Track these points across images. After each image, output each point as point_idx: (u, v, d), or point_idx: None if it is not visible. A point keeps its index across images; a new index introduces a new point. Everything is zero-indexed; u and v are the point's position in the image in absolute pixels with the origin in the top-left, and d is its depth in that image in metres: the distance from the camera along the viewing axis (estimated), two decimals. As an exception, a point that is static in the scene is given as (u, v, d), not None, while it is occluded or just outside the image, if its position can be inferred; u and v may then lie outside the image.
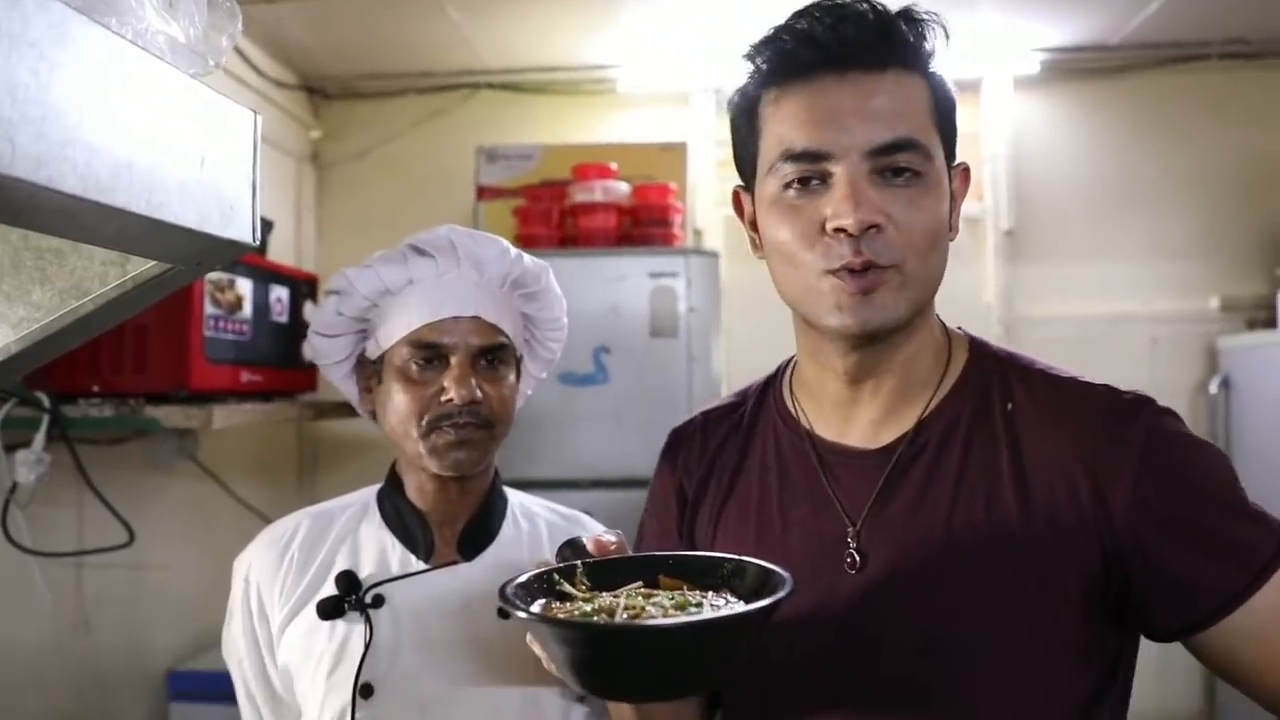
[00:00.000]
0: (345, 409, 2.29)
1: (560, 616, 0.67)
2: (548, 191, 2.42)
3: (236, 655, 1.05)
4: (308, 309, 1.08)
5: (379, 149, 2.95)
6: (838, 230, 0.75)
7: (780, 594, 0.65)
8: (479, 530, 1.06)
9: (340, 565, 1.02)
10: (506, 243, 1.05)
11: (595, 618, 0.67)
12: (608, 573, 0.75)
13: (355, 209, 2.95)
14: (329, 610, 0.98)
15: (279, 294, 1.95)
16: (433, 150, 2.90)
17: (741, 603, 0.70)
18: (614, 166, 2.40)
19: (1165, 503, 0.77)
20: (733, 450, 0.93)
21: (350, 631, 0.99)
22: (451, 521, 1.05)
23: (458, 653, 0.99)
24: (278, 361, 1.95)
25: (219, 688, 2.02)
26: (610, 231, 2.32)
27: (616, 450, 2.16)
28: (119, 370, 1.63)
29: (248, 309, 1.81)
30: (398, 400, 1.00)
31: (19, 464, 1.54)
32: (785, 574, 0.69)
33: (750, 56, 0.83)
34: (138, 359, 1.63)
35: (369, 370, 1.06)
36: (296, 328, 2.00)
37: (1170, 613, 0.78)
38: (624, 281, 2.21)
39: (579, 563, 0.75)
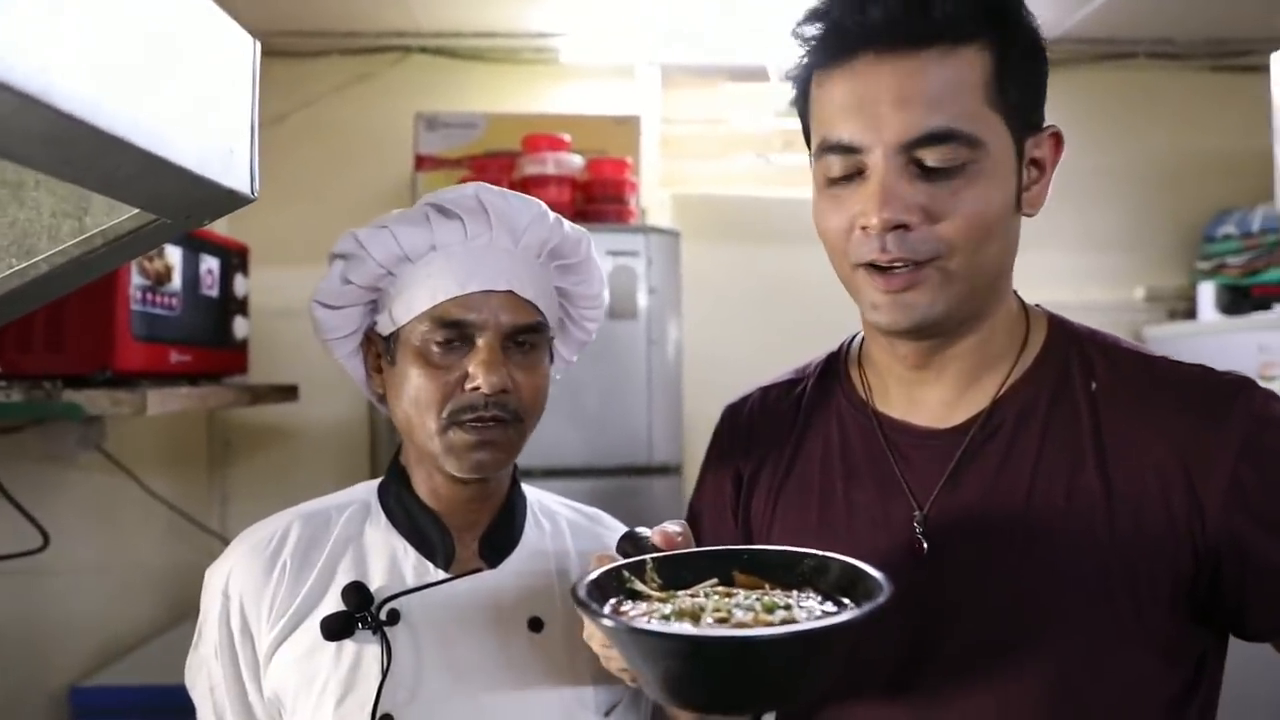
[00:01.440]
0: (279, 393, 2.11)
1: (652, 627, 0.60)
2: (494, 163, 2.28)
3: (207, 683, 0.89)
4: (321, 286, 0.91)
5: (303, 113, 2.73)
6: (864, 228, 0.74)
7: (882, 598, 0.60)
8: (503, 533, 0.94)
9: (345, 575, 0.88)
10: (544, 205, 0.91)
11: (679, 621, 0.61)
12: (678, 568, 0.69)
13: (275, 176, 2.71)
14: (337, 629, 0.84)
15: (210, 265, 1.75)
16: (363, 116, 2.70)
17: (829, 602, 0.65)
18: (565, 138, 2.28)
19: (1265, 493, 0.73)
20: (792, 428, 0.90)
21: (361, 653, 0.85)
22: (472, 525, 0.93)
23: (488, 673, 0.87)
24: (208, 340, 1.75)
25: (125, 703, 1.85)
26: (563, 207, 2.20)
27: (572, 438, 2.06)
28: (27, 349, 1.41)
29: (177, 281, 1.61)
30: (414, 386, 0.86)
31: (-92, 457, 1.32)
32: (879, 575, 0.63)
33: (797, 34, 0.78)
34: (51, 336, 1.41)
35: (379, 347, 0.92)
36: (227, 303, 1.81)
37: (1266, 613, 0.75)
38: (581, 260, 2.10)
39: (648, 558, 0.70)
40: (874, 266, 0.74)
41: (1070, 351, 0.81)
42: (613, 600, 0.66)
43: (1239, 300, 2.72)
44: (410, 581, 0.89)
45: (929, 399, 0.82)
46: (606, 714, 0.91)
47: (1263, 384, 2.19)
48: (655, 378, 2.09)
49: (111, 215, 0.77)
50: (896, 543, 0.79)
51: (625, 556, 0.72)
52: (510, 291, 0.88)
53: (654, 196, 2.76)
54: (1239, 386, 0.76)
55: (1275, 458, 0.74)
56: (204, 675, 0.90)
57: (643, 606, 0.65)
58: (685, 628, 0.61)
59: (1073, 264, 2.93)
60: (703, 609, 0.63)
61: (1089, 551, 0.74)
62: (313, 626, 0.85)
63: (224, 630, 0.88)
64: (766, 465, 0.90)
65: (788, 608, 0.63)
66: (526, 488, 1.00)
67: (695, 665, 0.59)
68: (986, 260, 0.75)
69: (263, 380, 2.14)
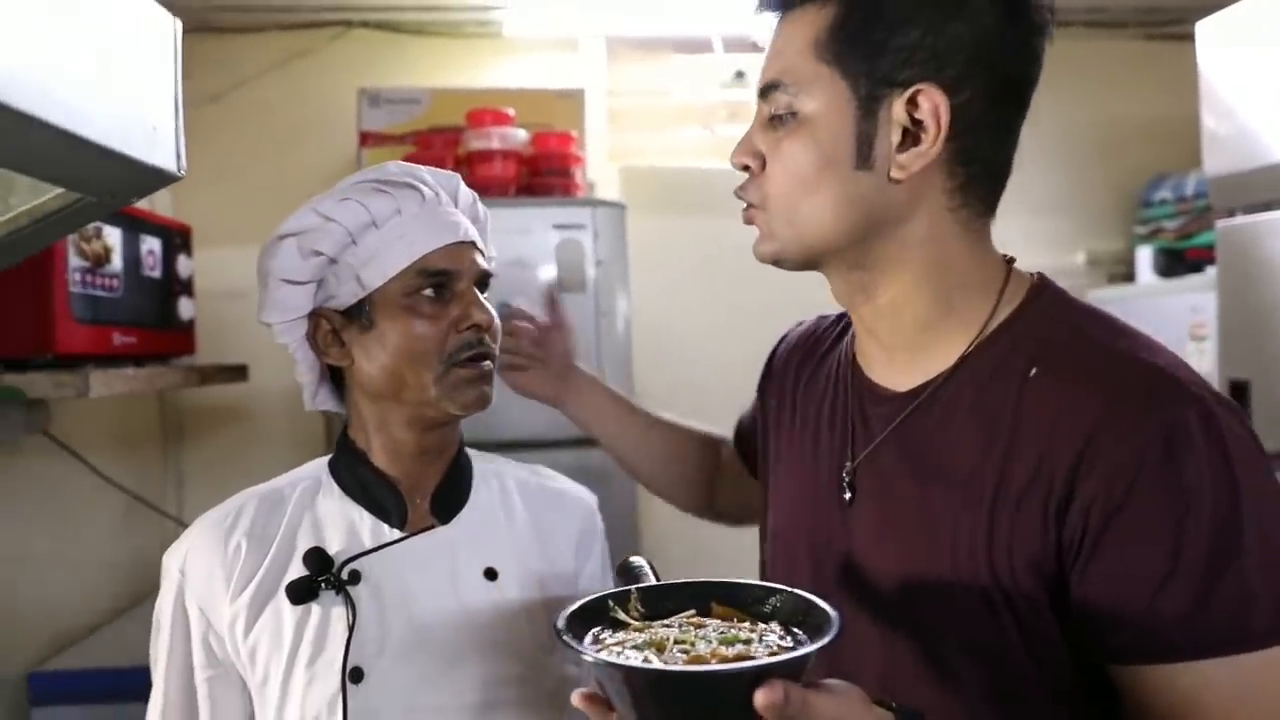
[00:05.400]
0: (228, 373, 2.11)
1: (592, 655, 0.65)
2: (439, 138, 2.28)
3: (165, 659, 0.92)
4: (271, 254, 0.93)
5: (238, 91, 2.69)
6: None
7: (821, 642, 0.64)
8: (453, 489, 0.97)
9: (305, 544, 0.91)
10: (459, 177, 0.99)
11: (646, 650, 0.66)
12: (661, 599, 0.74)
13: (216, 156, 2.67)
14: (301, 593, 0.87)
15: (151, 245, 1.74)
16: (302, 93, 2.67)
17: (789, 636, 0.68)
18: (510, 113, 2.28)
19: (1132, 512, 0.68)
20: (819, 364, 0.96)
21: (328, 614, 0.89)
22: (422, 486, 0.96)
23: (450, 623, 0.91)
24: (152, 321, 1.74)
25: (84, 687, 1.85)
26: (509, 181, 2.22)
27: (520, 411, 2.06)
28: (-36, 332, 1.41)
29: (118, 262, 1.59)
30: (403, 337, 0.90)
31: None
32: (832, 613, 0.66)
33: None
34: (-11, 319, 1.41)
35: (333, 323, 0.93)
36: (171, 284, 1.80)
37: (1093, 631, 0.71)
38: (528, 234, 2.11)
39: (633, 589, 0.75)
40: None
41: (1027, 330, 0.78)
42: (596, 628, 0.70)
43: (1175, 263, 2.80)
44: (368, 543, 0.92)
45: (883, 360, 0.84)
46: (577, 664, 0.95)
47: (1192, 344, 2.21)
48: (605, 349, 2.12)
49: (36, 195, 0.78)
50: (831, 489, 0.84)
51: (618, 585, 0.77)
52: (473, 242, 0.94)
53: (602, 170, 2.77)
54: (1178, 400, 0.69)
55: (1158, 483, 0.68)
56: (161, 649, 0.92)
57: (620, 635, 0.69)
58: (617, 658, 0.65)
59: (1019, 227, 2.97)
60: (670, 641, 0.67)
61: (967, 532, 0.74)
62: (281, 595, 0.88)
63: (179, 608, 0.91)
64: (786, 395, 0.97)
65: (748, 642, 0.66)
66: (472, 452, 1.03)
67: (628, 691, 0.64)
68: (815, 212, 0.77)
69: (212, 361, 2.13)
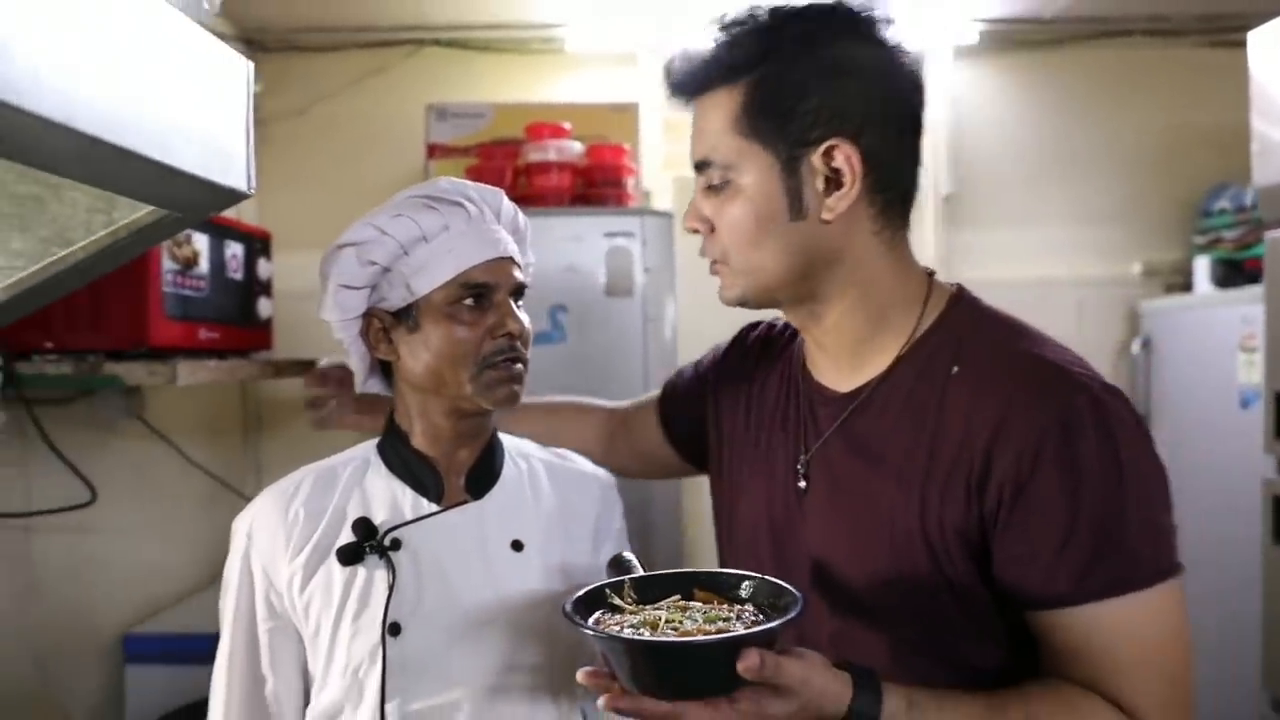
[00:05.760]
0: (301, 368, 2.27)
1: (611, 632, 0.78)
2: (500, 150, 2.41)
3: (232, 611, 1.05)
4: (332, 261, 1.07)
5: (321, 105, 2.88)
6: None
7: (785, 618, 0.76)
8: (485, 469, 1.09)
9: (354, 514, 1.04)
10: (502, 192, 1.10)
11: (642, 629, 0.79)
12: (650, 586, 0.87)
13: (297, 166, 2.88)
14: (349, 556, 1.00)
15: (234, 250, 1.91)
16: (376, 108, 2.85)
17: (762, 615, 0.81)
18: (567, 126, 2.40)
19: (1036, 485, 0.80)
20: (770, 366, 1.07)
21: (372, 576, 1.01)
22: (458, 465, 1.08)
23: (477, 587, 1.03)
24: (234, 319, 1.92)
25: (172, 649, 2.03)
26: (564, 191, 2.33)
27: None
28: (74, 327, 1.59)
29: (204, 265, 1.77)
30: (445, 340, 1.02)
31: (-28, 422, 1.49)
32: (797, 594, 0.79)
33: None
34: (94, 315, 1.59)
35: (384, 322, 1.06)
36: (252, 285, 1.97)
37: (1009, 585, 0.83)
38: (580, 241, 2.22)
39: (626, 579, 0.88)
40: None
41: (948, 335, 0.90)
42: (597, 612, 0.84)
43: (1233, 274, 2.76)
44: (408, 515, 1.04)
45: (829, 367, 0.96)
46: None
47: (1242, 355, 2.30)
48: (651, 353, 2.21)
49: (134, 211, 0.91)
50: (787, 478, 0.96)
51: (610, 576, 0.90)
52: (511, 257, 1.05)
53: (657, 180, 2.87)
54: (1074, 389, 0.81)
55: (1059, 461, 0.79)
56: (229, 605, 1.05)
57: (618, 618, 0.82)
58: (630, 634, 0.77)
59: (1067, 239, 2.99)
60: (661, 620, 0.80)
61: (904, 512, 0.86)
62: (332, 558, 1.01)
63: (245, 568, 1.04)
64: (743, 388, 1.08)
65: (727, 619, 0.80)
66: (503, 436, 1.15)
67: (638, 661, 0.76)
68: (764, 261, 0.89)
69: (287, 355, 2.30)
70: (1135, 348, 2.87)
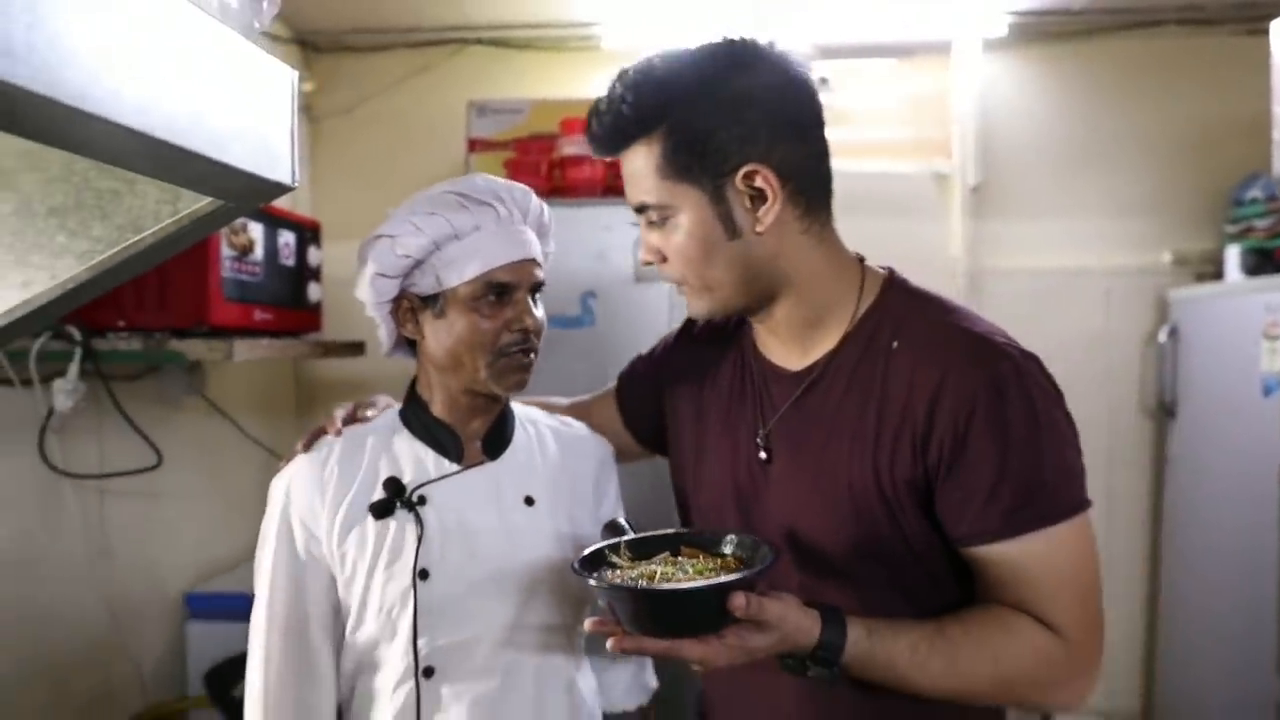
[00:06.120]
0: (347, 349, 2.43)
1: (616, 582, 0.91)
2: (536, 144, 2.52)
3: (269, 561, 1.14)
4: (370, 248, 1.18)
5: (369, 102, 3.03)
6: None
7: (764, 565, 0.88)
8: (498, 435, 1.21)
9: (384, 474, 1.16)
10: (531, 191, 1.19)
11: (639, 580, 0.91)
12: (642, 545, 0.99)
13: (347, 161, 3.05)
14: (381, 511, 1.12)
15: (287, 239, 2.06)
16: (422, 104, 2.99)
17: (744, 567, 0.92)
18: (600, 121, 2.50)
19: (971, 439, 0.91)
20: (722, 352, 1.16)
21: (402, 528, 1.13)
22: (473, 432, 1.20)
23: (494, 538, 1.15)
24: (286, 302, 2.07)
25: (229, 607, 2.17)
26: (596, 182, 2.44)
27: (601, 388, 2.30)
28: (143, 307, 1.75)
29: (259, 252, 1.92)
30: (467, 330, 1.12)
31: (56, 392, 1.66)
32: (772, 546, 0.91)
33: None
34: (161, 297, 1.75)
35: (413, 304, 1.16)
36: (302, 271, 2.12)
37: (949, 524, 0.95)
38: (610, 230, 2.33)
39: (621, 540, 1.00)
40: None
41: (886, 315, 1.00)
42: (598, 570, 0.96)
43: (1263, 263, 2.76)
44: (433, 474, 1.16)
45: (780, 349, 1.06)
46: None
47: (1265, 342, 2.41)
48: (677, 336, 2.32)
49: (196, 201, 1.05)
50: (750, 451, 1.06)
51: (606, 539, 1.02)
52: (533, 259, 1.15)
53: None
54: (997, 356, 0.92)
55: (988, 418, 0.90)
56: (267, 555, 1.16)
57: (618, 572, 0.94)
58: (636, 585, 0.89)
59: (1097, 229, 3.01)
60: (656, 573, 0.92)
61: (860, 472, 0.96)
62: (366, 513, 1.13)
63: (284, 522, 1.15)
64: (694, 371, 1.18)
65: (714, 571, 0.92)
66: (513, 404, 1.27)
67: (640, 606, 0.88)
68: (717, 278, 0.99)
69: (335, 337, 2.45)
70: (1162, 336, 2.89)
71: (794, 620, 0.89)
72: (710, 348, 1.18)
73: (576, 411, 1.39)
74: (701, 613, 0.87)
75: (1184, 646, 2.80)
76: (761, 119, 0.94)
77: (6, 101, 0.43)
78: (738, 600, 0.84)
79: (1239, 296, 2.65)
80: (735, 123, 0.93)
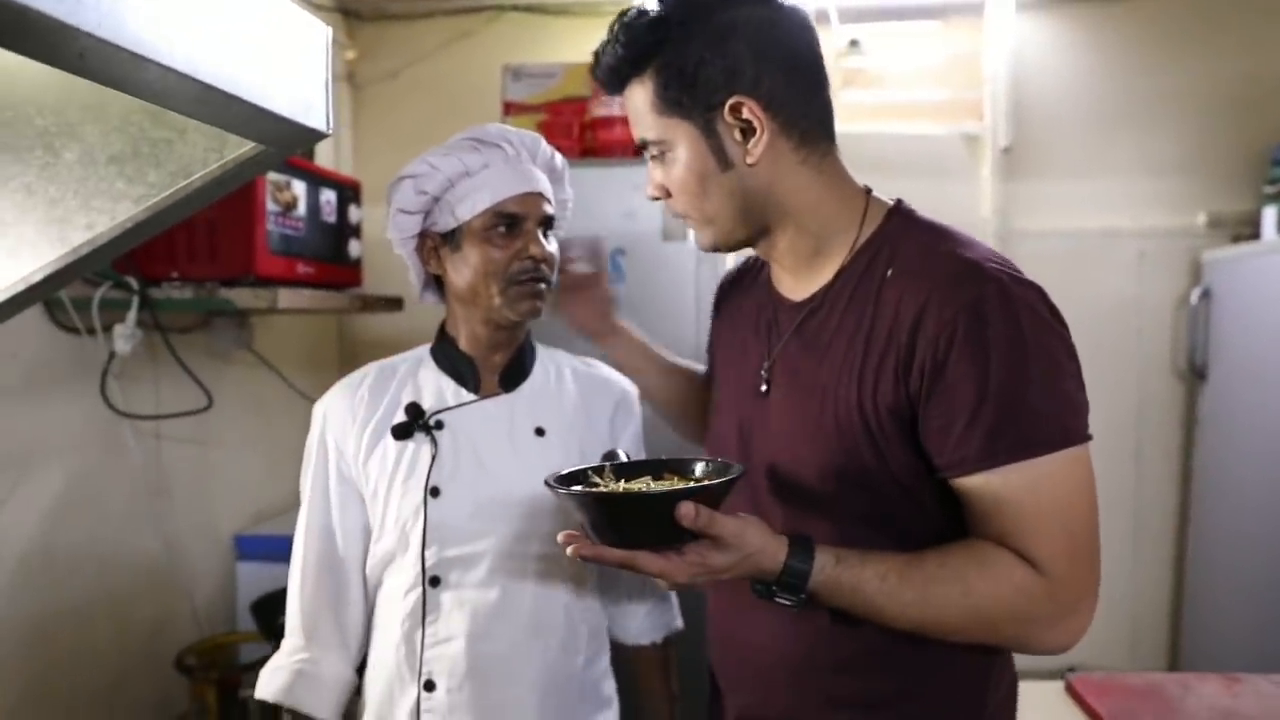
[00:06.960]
0: (385, 303, 2.53)
1: (576, 489, 0.92)
2: (569, 107, 2.58)
3: (310, 478, 1.27)
4: (395, 189, 1.24)
5: (410, 69, 3.12)
6: None
7: (725, 478, 0.89)
8: (516, 369, 1.30)
9: (407, 400, 1.26)
10: (542, 138, 1.28)
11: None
12: (626, 470, 1.02)
13: (389, 125, 3.14)
14: (401, 432, 1.22)
15: (328, 196, 2.16)
16: (460, 69, 3.06)
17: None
18: (631, 83, 2.55)
19: (951, 363, 0.90)
20: (746, 291, 1.21)
21: (420, 449, 1.23)
22: (493, 365, 1.29)
23: (503, 463, 1.24)
24: (327, 257, 2.16)
25: (276, 549, 2.28)
26: (627, 144, 2.48)
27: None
28: (194, 259, 1.86)
29: (302, 208, 2.02)
30: (481, 260, 1.21)
31: (117, 336, 1.78)
32: (737, 466, 0.92)
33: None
34: (210, 249, 1.85)
35: (434, 241, 1.26)
36: (343, 228, 2.22)
37: (932, 451, 0.94)
38: (639, 190, 2.38)
39: (606, 464, 1.02)
40: None
41: (885, 243, 1.00)
42: (578, 487, 0.94)
43: (1300, 223, 2.74)
44: (451, 402, 1.26)
45: (788, 280, 1.10)
46: None
47: None
48: (703, 296, 2.36)
49: (240, 147, 1.14)
50: (754, 383, 1.10)
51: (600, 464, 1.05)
52: (540, 193, 1.24)
53: (721, 134, 3.00)
54: (983, 278, 0.91)
55: (971, 338, 0.88)
56: (309, 471, 1.28)
57: (594, 490, 0.94)
58: (586, 490, 0.91)
59: (1130, 190, 2.98)
60: (622, 488, 0.95)
61: (845, 396, 0.97)
62: (388, 433, 1.23)
63: (322, 442, 1.27)
64: (727, 314, 1.24)
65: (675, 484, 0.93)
66: (540, 346, 1.35)
67: (594, 513, 0.89)
68: (715, 210, 1.02)
69: (374, 292, 2.55)
70: (1194, 297, 2.88)
71: (756, 541, 0.89)
72: (738, 290, 1.24)
73: (689, 372, 1.41)
74: (657, 525, 0.87)
75: (1211, 608, 2.81)
76: (746, 51, 0.96)
77: (77, 45, 0.51)
78: (685, 509, 0.85)
79: (1272, 256, 2.62)
80: (720, 56, 0.96)
